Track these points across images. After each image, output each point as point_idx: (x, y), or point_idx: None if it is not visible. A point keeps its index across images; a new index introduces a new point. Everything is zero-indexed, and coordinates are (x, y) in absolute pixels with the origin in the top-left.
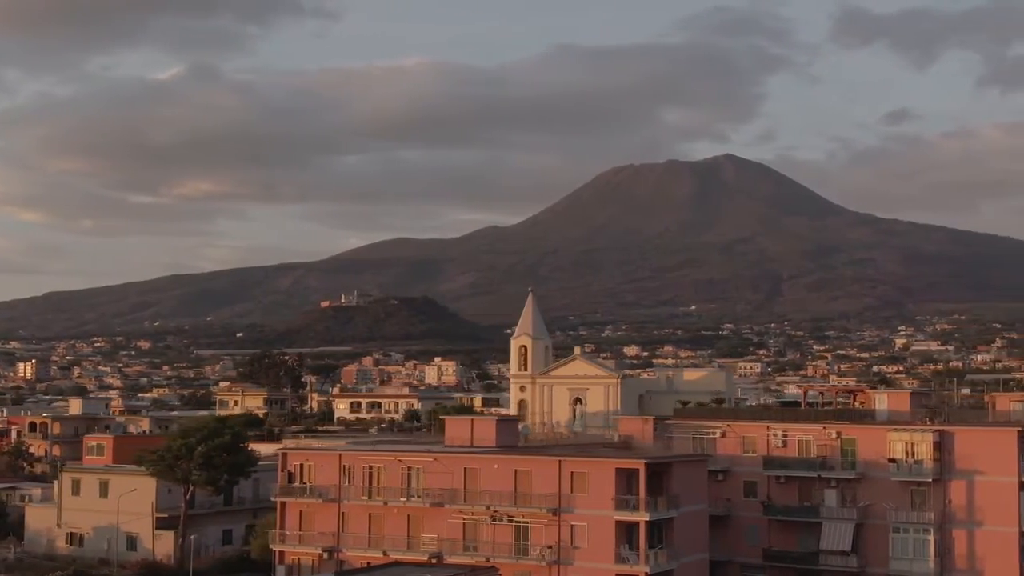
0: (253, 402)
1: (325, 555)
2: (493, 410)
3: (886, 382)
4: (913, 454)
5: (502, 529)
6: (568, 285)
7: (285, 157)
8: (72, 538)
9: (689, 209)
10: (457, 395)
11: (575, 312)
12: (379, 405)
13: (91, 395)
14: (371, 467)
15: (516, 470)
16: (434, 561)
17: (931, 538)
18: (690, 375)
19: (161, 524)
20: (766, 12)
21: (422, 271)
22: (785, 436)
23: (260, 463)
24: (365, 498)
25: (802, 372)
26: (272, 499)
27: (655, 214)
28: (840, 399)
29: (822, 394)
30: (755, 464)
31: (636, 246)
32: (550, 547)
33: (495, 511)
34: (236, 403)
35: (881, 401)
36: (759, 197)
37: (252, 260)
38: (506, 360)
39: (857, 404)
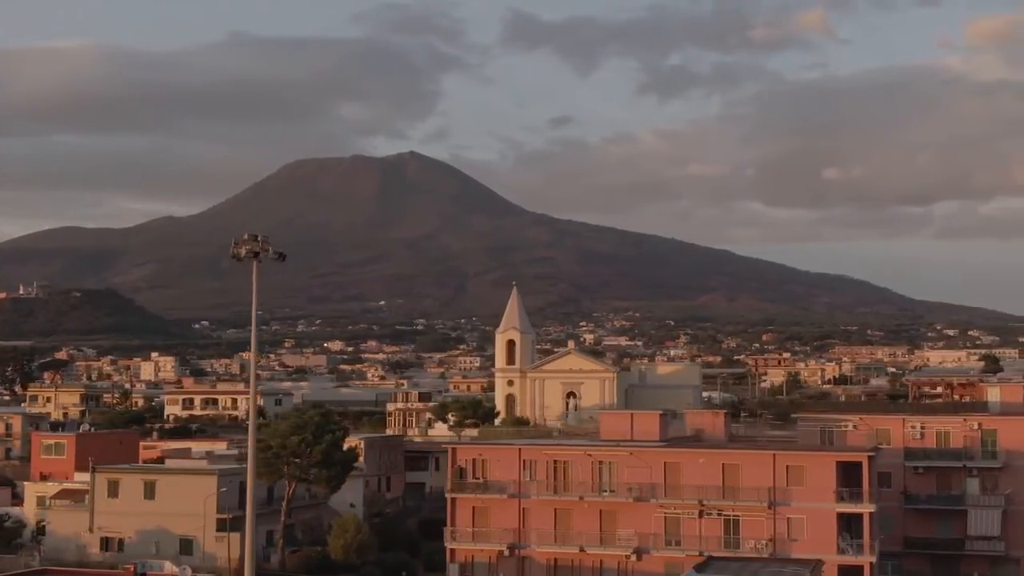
0: (69, 399)
1: (506, 551)
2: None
3: None
4: None
5: (710, 523)
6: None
7: None
8: (108, 543)
9: (375, 205)
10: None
11: (263, 307)
12: (215, 402)
13: None
14: (555, 462)
15: (724, 464)
16: (634, 557)
17: None
18: (663, 369)
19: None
20: (439, 11)
21: (93, 262)
22: (923, 428)
23: None
24: (551, 493)
25: None
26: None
27: (341, 209)
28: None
29: (919, 387)
30: (889, 456)
31: (323, 240)
32: (771, 539)
33: (704, 505)
34: (49, 400)
35: (994, 393)
36: (442, 195)
37: None
38: (214, 356)
39: (955, 396)
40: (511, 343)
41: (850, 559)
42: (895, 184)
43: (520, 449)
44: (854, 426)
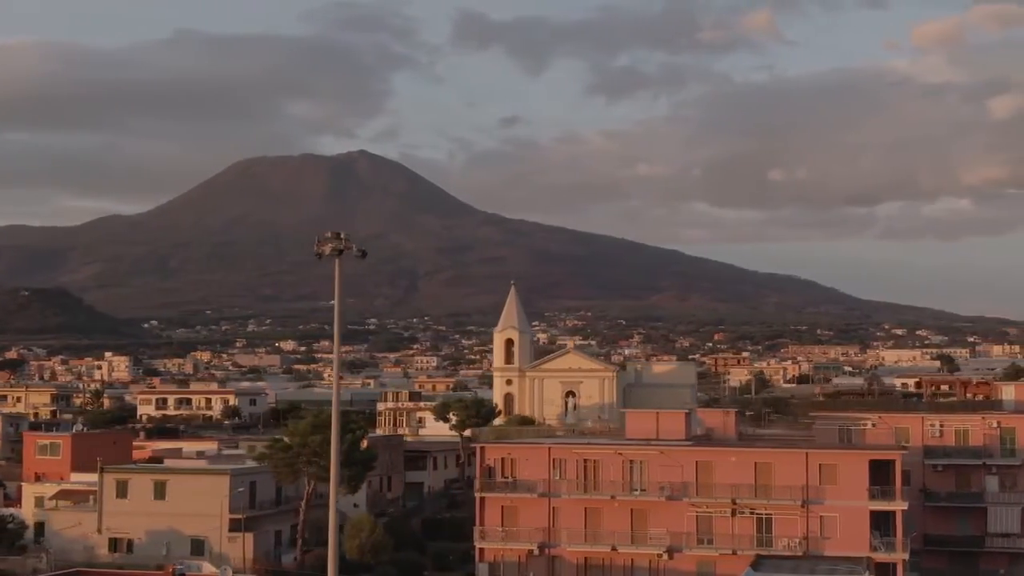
0: (39, 399)
1: (536, 551)
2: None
3: None
4: None
5: (742, 521)
6: (202, 278)
7: None
8: (117, 544)
9: (324, 204)
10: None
11: (212, 306)
12: (189, 401)
13: None
14: (585, 460)
15: (756, 463)
16: (666, 556)
17: None
18: (659, 368)
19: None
20: (390, 10)
21: (40, 261)
22: (942, 427)
23: None
24: (581, 492)
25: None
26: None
27: (290, 207)
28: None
29: (925, 386)
30: (908, 454)
31: (272, 239)
32: (804, 538)
33: (737, 504)
34: (19, 399)
35: (1008, 392)
36: (393, 194)
37: None
38: (166, 356)
39: (968, 395)
40: (509, 342)
41: (883, 556)
42: (841, 185)
43: (550, 448)
44: (872, 424)
